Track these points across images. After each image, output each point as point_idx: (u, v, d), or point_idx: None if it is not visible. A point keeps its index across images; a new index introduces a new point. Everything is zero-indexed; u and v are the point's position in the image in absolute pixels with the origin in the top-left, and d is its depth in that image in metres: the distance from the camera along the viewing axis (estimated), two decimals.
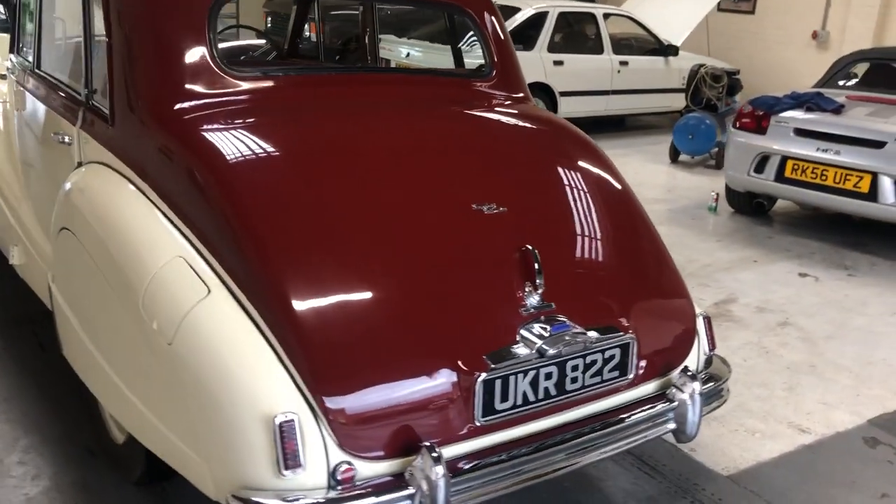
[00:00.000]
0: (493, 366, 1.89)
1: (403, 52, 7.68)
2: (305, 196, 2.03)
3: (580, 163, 2.52)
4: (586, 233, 2.32)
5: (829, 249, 5.37)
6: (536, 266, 2.05)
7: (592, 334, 2.03)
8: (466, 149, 2.37)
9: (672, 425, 2.22)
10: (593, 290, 2.20)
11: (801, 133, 5.36)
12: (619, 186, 2.51)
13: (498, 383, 1.90)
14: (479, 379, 1.87)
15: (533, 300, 2.02)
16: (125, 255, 2.03)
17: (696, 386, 2.21)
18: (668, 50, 9.11)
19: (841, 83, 6.09)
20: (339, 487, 1.74)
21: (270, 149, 2.13)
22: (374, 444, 1.78)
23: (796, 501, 2.61)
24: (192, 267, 1.92)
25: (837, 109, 5.39)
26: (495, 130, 2.54)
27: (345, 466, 1.74)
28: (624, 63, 8.74)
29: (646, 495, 2.59)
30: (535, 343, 1.94)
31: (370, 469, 1.78)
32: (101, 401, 2.31)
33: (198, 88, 2.23)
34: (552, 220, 2.27)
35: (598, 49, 8.64)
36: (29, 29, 3.16)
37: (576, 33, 8.84)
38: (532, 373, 1.95)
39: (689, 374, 2.24)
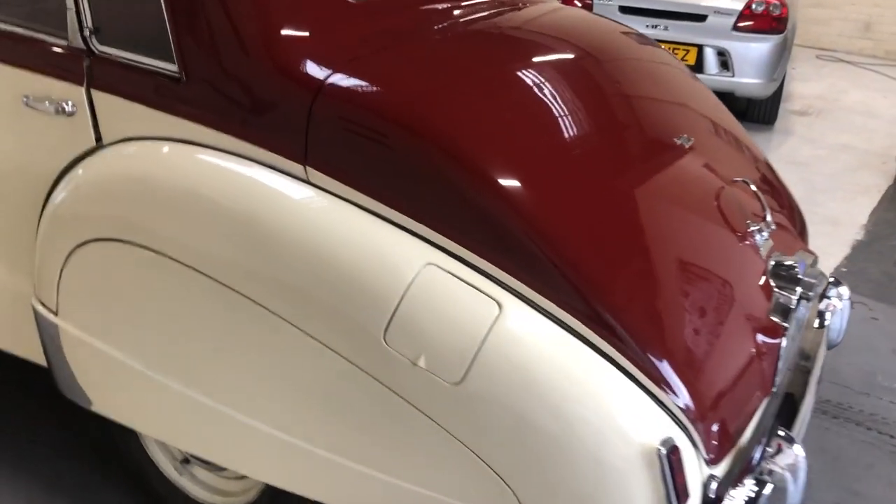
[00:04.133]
0: (785, 325, 1.68)
1: None
2: (556, 153, 1.56)
3: (685, 75, 2.28)
4: (743, 154, 2.13)
5: None
6: (761, 200, 1.84)
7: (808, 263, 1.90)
8: (611, 67, 2.00)
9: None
10: (778, 216, 2.04)
11: (627, 10, 5.50)
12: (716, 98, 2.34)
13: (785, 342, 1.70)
14: (783, 343, 1.65)
15: (761, 238, 1.82)
16: (321, 272, 1.42)
17: (845, 291, 2.20)
18: None
19: None
20: None
21: (484, 98, 1.59)
22: (723, 444, 1.50)
23: (849, 376, 2.81)
24: (456, 276, 1.41)
25: None
26: (610, 43, 2.17)
27: (714, 482, 1.45)
28: None
29: None
30: (796, 290, 1.75)
31: (719, 472, 1.51)
32: (235, 467, 1.67)
33: (337, 23, 1.59)
34: (721, 144, 2.04)
35: None
36: None
37: None
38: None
39: (833, 280, 2.22)
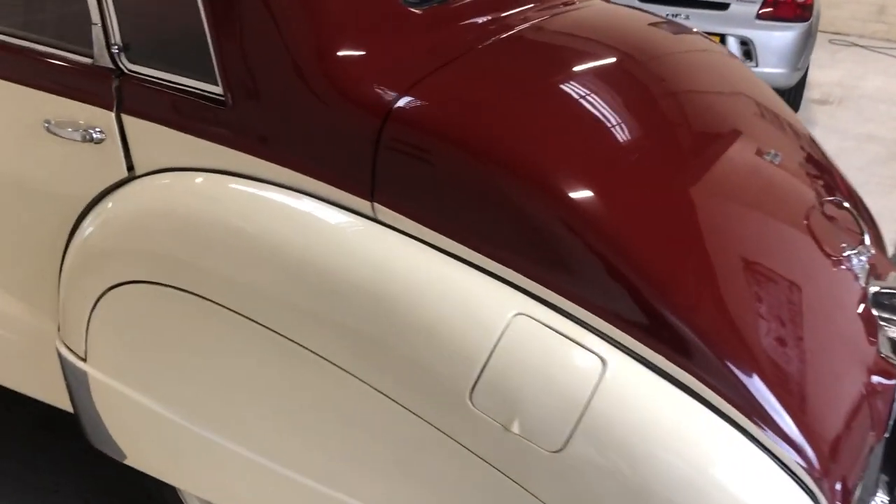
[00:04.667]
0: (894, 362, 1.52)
1: None
2: (658, 183, 1.39)
3: (750, 74, 2.10)
4: (820, 163, 1.96)
5: None
6: (858, 221, 1.68)
7: None
8: (687, 73, 1.82)
9: None
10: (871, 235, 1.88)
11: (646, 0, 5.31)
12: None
13: None
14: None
15: (859, 263, 1.66)
16: (395, 322, 1.26)
17: None
18: None
19: None
20: None
21: (575, 119, 1.41)
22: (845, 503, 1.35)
23: None
24: (551, 327, 1.24)
25: None
26: (680, 46, 1.99)
27: None
28: None
29: None
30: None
31: None
32: None
33: (399, 36, 1.41)
34: (801, 156, 1.87)
35: None
36: None
37: None
38: None
39: None
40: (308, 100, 1.33)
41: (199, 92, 1.42)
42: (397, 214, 1.31)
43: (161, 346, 1.50)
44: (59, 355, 1.66)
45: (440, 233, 1.29)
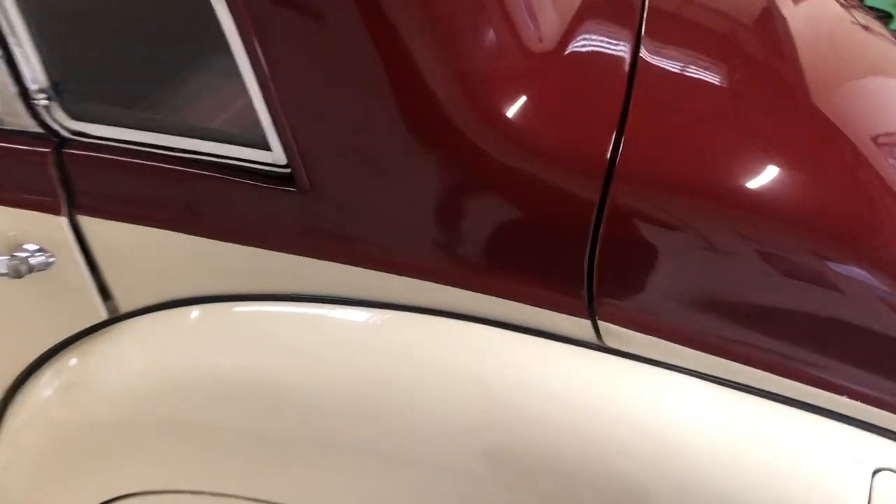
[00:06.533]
0: None
1: None
2: None
3: None
4: None
5: None
6: None
7: None
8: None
9: None
10: None
11: None
12: None
13: None
14: None
15: None
16: None
17: None
18: None
19: None
20: None
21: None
22: None
23: None
24: None
25: None
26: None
27: None
28: None
29: None
30: None
31: None
32: None
33: (561, 53, 0.83)
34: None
35: None
36: None
37: None
38: None
39: None
40: (462, 169, 0.75)
41: (231, 163, 0.78)
42: (642, 335, 0.78)
43: None
44: None
45: (721, 356, 0.79)
